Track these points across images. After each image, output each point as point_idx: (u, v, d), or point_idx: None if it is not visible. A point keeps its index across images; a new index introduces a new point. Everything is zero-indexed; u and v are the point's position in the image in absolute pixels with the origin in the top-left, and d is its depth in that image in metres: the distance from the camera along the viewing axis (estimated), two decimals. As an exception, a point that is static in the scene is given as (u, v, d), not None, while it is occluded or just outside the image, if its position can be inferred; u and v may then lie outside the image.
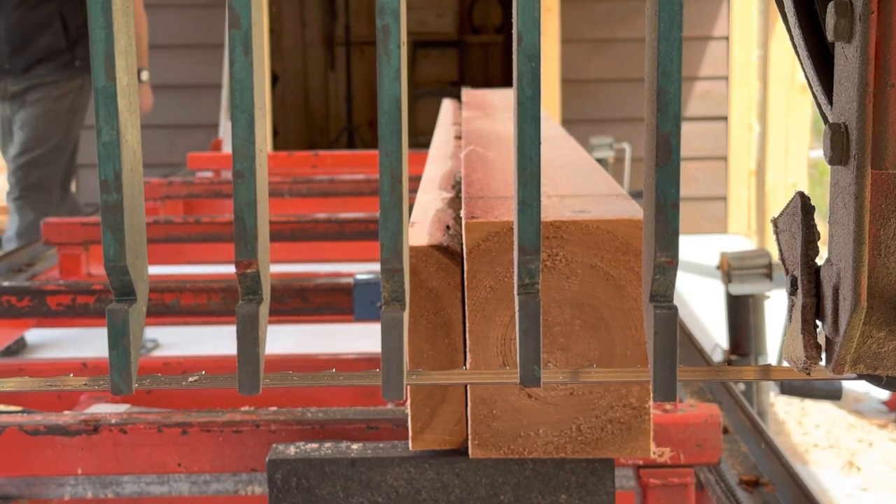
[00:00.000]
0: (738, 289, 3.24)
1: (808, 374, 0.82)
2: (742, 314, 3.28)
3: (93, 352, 4.51)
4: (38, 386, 0.96)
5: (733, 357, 3.35)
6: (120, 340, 0.80)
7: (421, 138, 5.18)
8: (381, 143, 0.74)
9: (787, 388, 2.88)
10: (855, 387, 4.14)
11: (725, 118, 7.25)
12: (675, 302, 0.77)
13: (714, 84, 7.24)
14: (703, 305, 5.34)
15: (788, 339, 0.84)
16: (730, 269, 3.25)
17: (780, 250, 0.84)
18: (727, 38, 7.21)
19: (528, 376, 0.78)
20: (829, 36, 0.75)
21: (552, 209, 1.18)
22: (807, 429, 3.93)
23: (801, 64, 0.85)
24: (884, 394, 4.13)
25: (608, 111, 7.14)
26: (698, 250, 6.73)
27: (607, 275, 1.14)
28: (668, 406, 1.42)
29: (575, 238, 1.13)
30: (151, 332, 4.86)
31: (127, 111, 0.77)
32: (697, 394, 1.89)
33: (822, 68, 0.83)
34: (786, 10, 0.84)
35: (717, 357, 3.36)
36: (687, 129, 7.24)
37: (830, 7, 0.74)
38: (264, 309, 0.80)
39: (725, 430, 1.74)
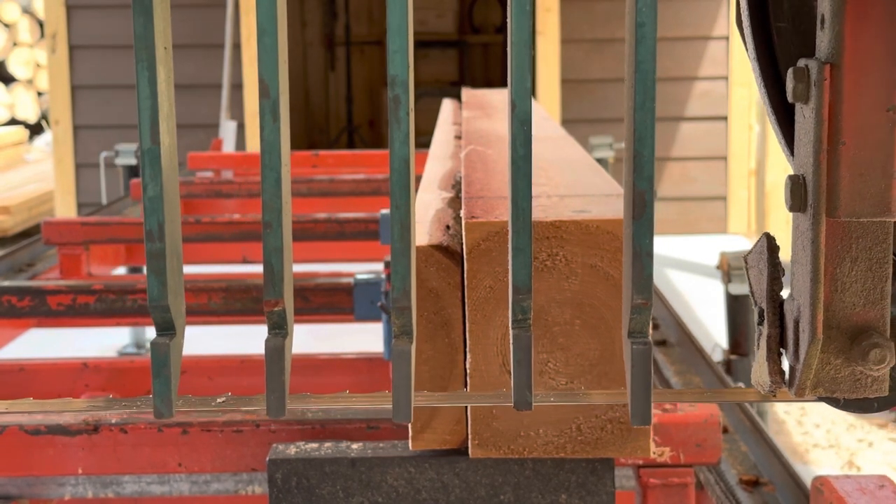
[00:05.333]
0: (738, 289, 3.24)
1: (774, 395, 0.92)
2: (742, 314, 3.28)
3: (93, 352, 4.51)
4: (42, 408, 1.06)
5: (733, 357, 3.35)
6: (162, 370, 0.88)
7: (421, 138, 5.17)
8: (392, 197, 0.84)
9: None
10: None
11: (725, 118, 7.25)
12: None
13: (714, 84, 7.24)
14: (703, 305, 5.34)
15: (756, 366, 0.93)
16: (730, 269, 3.25)
17: (750, 285, 0.93)
18: (727, 38, 7.21)
19: (521, 401, 0.88)
20: (789, 97, 0.84)
21: (552, 209, 1.18)
22: (807, 429, 3.93)
23: (768, 118, 0.94)
24: (884, 394, 4.12)
25: (608, 111, 7.14)
26: (698, 250, 6.73)
27: (607, 275, 1.14)
28: (668, 406, 1.42)
29: (575, 238, 1.13)
30: (152, 332, 4.86)
31: (169, 169, 0.86)
32: (697, 394, 1.89)
33: (786, 125, 0.92)
34: (753, 72, 0.93)
35: (717, 357, 3.36)
36: (687, 129, 7.24)
37: (790, 72, 0.83)
38: (289, 342, 0.89)
39: (725, 430, 1.74)
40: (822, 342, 0.86)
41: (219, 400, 1.03)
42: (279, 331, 0.88)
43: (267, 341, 0.87)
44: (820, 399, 0.90)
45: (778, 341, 0.90)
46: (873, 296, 0.86)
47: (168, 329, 0.89)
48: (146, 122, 0.84)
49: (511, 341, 0.87)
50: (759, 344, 0.92)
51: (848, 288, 0.86)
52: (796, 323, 0.88)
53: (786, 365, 0.91)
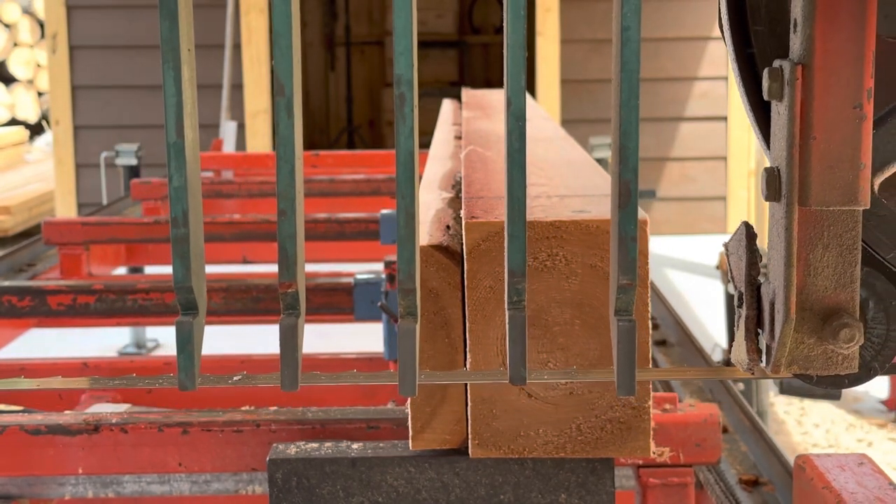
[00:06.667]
0: (738, 289, 3.23)
1: (753, 373, 0.98)
2: (742, 314, 3.28)
3: (93, 352, 4.51)
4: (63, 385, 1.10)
5: (733, 357, 3.34)
6: (186, 346, 0.95)
7: (421, 138, 5.16)
8: (398, 187, 0.90)
9: (787, 388, 2.88)
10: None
11: (725, 118, 7.25)
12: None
13: (714, 84, 7.24)
14: (703, 305, 5.34)
15: (736, 345, 0.99)
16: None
17: (730, 270, 1.00)
18: (727, 38, 7.20)
19: (515, 376, 0.94)
20: (765, 96, 0.91)
21: (552, 209, 1.18)
22: (806, 428, 3.93)
23: (747, 115, 1.00)
24: (883, 393, 4.13)
25: (608, 111, 7.12)
26: (698, 250, 6.73)
27: (607, 275, 1.14)
28: (667, 405, 1.42)
29: (575, 238, 1.14)
30: (152, 332, 4.87)
31: (192, 161, 0.92)
32: (697, 393, 1.90)
33: (763, 121, 0.98)
34: (732, 72, 1.01)
35: (717, 357, 3.35)
36: (687, 129, 7.24)
37: (766, 72, 0.90)
38: (301, 321, 0.95)
39: (725, 430, 1.74)
40: (796, 322, 0.93)
41: (235, 378, 1.09)
42: (293, 311, 0.94)
43: (281, 321, 0.94)
44: (795, 376, 0.96)
45: (755, 322, 0.97)
46: (843, 279, 0.93)
47: (191, 309, 0.94)
48: (172, 118, 0.90)
49: (506, 321, 0.93)
50: (738, 325, 0.99)
51: (820, 272, 0.92)
52: (772, 305, 0.94)
53: (764, 344, 0.97)
